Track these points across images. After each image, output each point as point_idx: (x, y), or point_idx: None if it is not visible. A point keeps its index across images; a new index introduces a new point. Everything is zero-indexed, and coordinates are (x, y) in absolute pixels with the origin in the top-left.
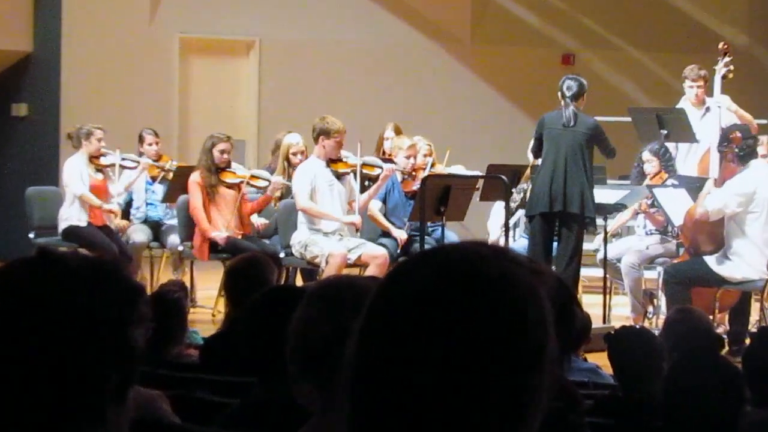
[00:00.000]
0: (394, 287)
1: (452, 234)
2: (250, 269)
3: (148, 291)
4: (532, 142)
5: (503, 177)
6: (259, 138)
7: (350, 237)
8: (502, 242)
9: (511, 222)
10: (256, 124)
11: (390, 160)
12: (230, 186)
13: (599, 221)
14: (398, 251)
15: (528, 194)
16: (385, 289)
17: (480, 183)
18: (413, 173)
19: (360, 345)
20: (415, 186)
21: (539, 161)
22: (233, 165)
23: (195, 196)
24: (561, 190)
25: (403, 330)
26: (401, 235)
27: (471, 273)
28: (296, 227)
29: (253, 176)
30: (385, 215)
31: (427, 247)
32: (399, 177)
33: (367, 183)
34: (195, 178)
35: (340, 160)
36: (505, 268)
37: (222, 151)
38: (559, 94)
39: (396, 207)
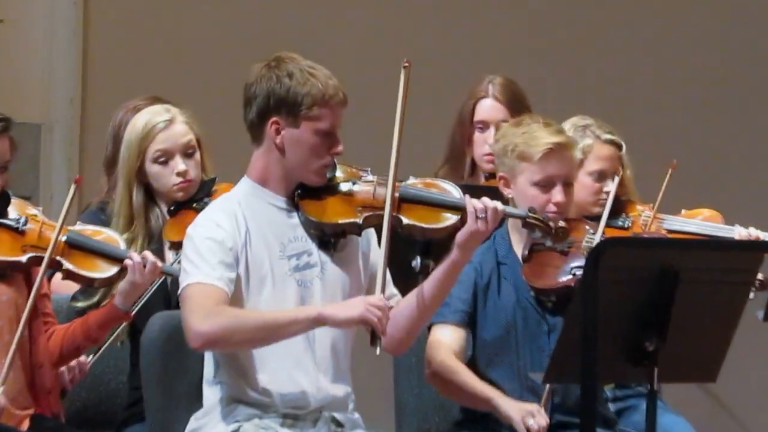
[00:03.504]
0: None
1: (681, 424)
2: None
3: None
4: None
5: None
6: (83, 122)
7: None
8: None
9: None
10: (74, 92)
11: (494, 191)
12: (4, 268)
13: None
14: None
15: None
16: None
17: None
18: (563, 227)
19: None
20: (568, 271)
21: None
22: (15, 206)
23: None
24: None
25: None
26: (538, 425)
27: None
28: (197, 394)
29: (72, 245)
30: (474, 364)
31: None
32: (516, 240)
33: (415, 262)
34: None
35: (335, 187)
36: None
37: None
38: None
39: (508, 335)
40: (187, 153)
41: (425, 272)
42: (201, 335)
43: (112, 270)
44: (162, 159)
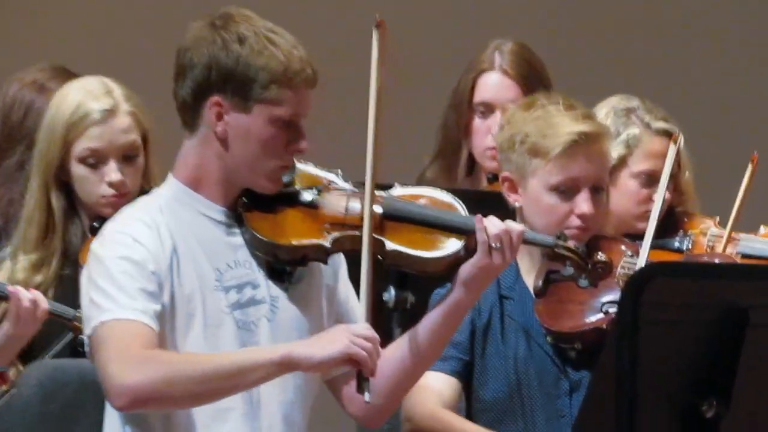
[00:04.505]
0: None
1: None
2: None
3: None
4: None
5: None
6: None
7: None
8: None
9: None
10: None
11: (499, 198)
12: None
13: None
14: None
15: None
16: None
17: None
18: (604, 262)
19: None
20: (598, 309)
21: None
22: None
23: None
24: None
25: None
26: None
27: None
28: None
29: None
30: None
31: None
32: (527, 266)
33: (388, 296)
34: None
35: (293, 197)
36: None
37: None
38: None
39: (515, 396)
40: (126, 157)
41: (401, 308)
42: (128, 390)
43: None
44: (91, 161)
